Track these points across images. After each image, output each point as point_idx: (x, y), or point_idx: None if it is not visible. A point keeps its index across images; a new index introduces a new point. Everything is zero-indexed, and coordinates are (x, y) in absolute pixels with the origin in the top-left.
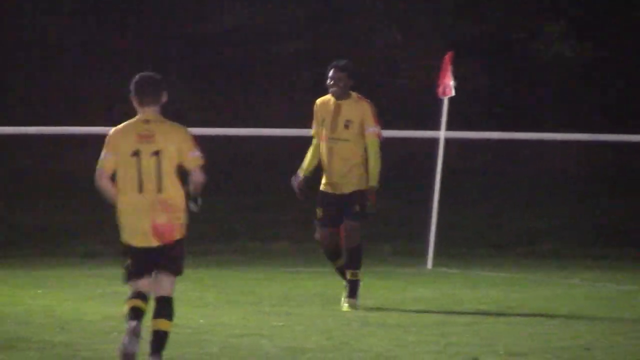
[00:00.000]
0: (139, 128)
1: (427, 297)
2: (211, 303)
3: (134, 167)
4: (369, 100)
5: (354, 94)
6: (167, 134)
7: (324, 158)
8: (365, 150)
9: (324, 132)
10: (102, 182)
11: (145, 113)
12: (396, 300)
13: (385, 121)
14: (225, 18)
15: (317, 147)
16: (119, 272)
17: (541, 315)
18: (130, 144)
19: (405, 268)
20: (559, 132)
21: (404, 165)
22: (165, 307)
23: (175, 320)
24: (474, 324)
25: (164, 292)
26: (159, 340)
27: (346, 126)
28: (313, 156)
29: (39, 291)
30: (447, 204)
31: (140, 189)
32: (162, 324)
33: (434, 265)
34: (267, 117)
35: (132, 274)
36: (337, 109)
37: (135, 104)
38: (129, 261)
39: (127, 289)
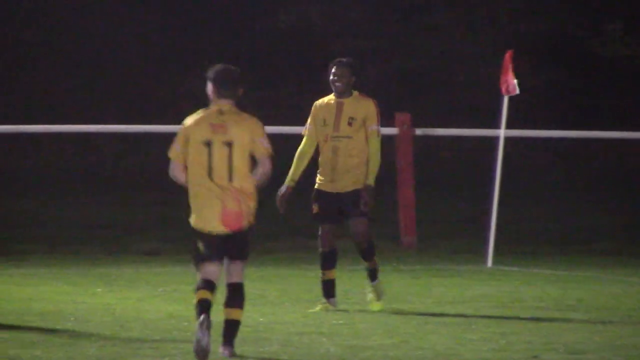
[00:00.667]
0: (213, 118)
1: (487, 295)
2: (271, 301)
3: (206, 155)
4: (372, 98)
5: (355, 92)
6: (240, 124)
7: (327, 158)
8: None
9: (325, 132)
10: (176, 172)
11: (221, 104)
12: (456, 298)
13: (445, 119)
14: (288, 15)
15: (306, 150)
16: (180, 270)
17: (601, 313)
18: (203, 133)
19: (465, 266)
20: (619, 130)
21: (464, 163)
22: (236, 295)
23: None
24: (534, 321)
25: (235, 279)
26: (231, 329)
27: (349, 124)
28: (300, 162)
29: (98, 289)
30: (507, 202)
31: (211, 177)
32: (234, 313)
33: (494, 263)
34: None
35: (202, 260)
36: (340, 107)
37: (211, 93)
38: (199, 246)
39: (195, 278)
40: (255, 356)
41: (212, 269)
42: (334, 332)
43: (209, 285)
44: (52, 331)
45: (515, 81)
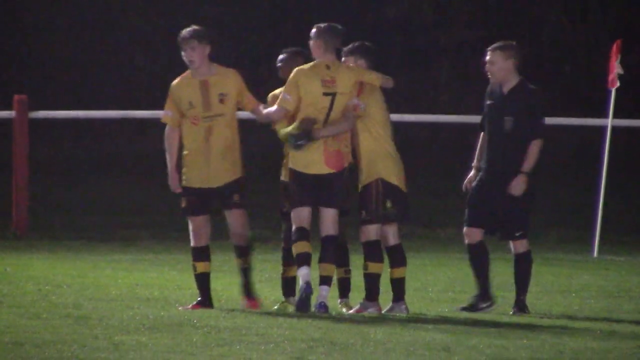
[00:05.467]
0: (322, 73)
1: (593, 285)
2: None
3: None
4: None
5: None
6: (346, 74)
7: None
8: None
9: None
10: (280, 118)
11: (327, 59)
12: (562, 287)
13: (554, 109)
14: (394, 6)
15: None
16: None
17: None
18: (316, 86)
19: (571, 255)
20: None
21: (572, 153)
22: (328, 250)
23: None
24: None
25: (326, 231)
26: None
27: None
28: None
29: None
30: (614, 191)
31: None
32: (328, 269)
33: (600, 252)
34: (436, 105)
35: (296, 203)
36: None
37: (317, 49)
38: (294, 188)
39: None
40: (362, 344)
41: (305, 214)
42: (438, 320)
43: (304, 234)
44: (158, 317)
45: (616, 72)
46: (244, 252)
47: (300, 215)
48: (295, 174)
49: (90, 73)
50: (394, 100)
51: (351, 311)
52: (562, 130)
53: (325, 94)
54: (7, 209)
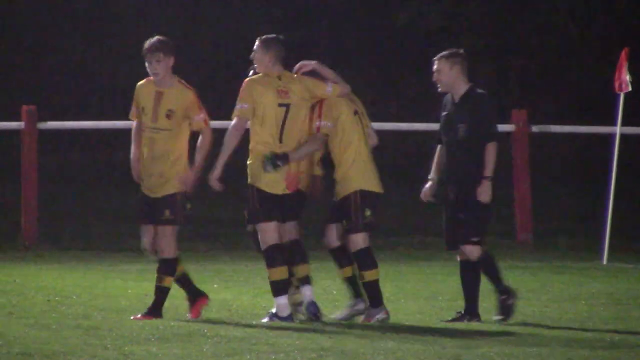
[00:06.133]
0: (276, 84)
1: (602, 292)
2: (386, 297)
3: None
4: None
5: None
6: (298, 86)
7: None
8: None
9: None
10: (242, 129)
11: (277, 70)
12: (571, 294)
13: (562, 116)
14: (403, 13)
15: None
16: None
17: None
18: (271, 97)
19: (580, 263)
20: None
21: (580, 161)
22: (300, 252)
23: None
24: None
25: (292, 236)
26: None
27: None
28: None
29: (215, 285)
30: (623, 199)
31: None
32: (305, 270)
33: (609, 260)
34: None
35: (261, 218)
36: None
37: (267, 62)
38: (257, 205)
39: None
40: (371, 352)
41: (273, 228)
42: (447, 328)
43: (284, 257)
44: (168, 327)
45: (629, 78)
46: (162, 269)
47: (269, 229)
48: (258, 192)
49: (98, 83)
50: (407, 108)
51: (360, 320)
52: (570, 137)
53: (280, 105)
54: (16, 219)
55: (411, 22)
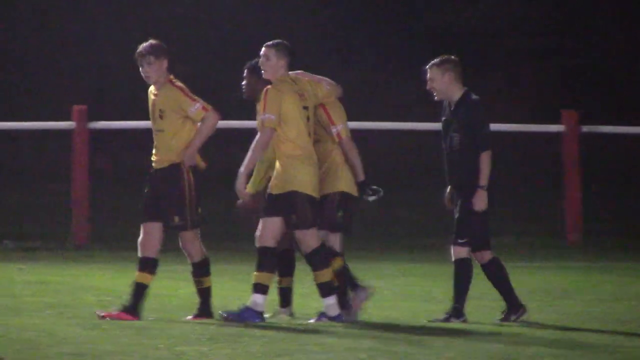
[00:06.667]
0: (294, 87)
1: None
2: (436, 297)
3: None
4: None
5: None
6: (308, 87)
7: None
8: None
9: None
10: (269, 140)
11: (287, 74)
12: (617, 295)
13: (610, 117)
14: (464, 12)
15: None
16: (355, 266)
17: None
18: (296, 100)
19: (629, 263)
20: None
21: (631, 161)
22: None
23: (399, 314)
24: None
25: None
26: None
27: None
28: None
29: None
30: None
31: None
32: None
33: None
34: (506, 113)
35: (310, 223)
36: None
37: (280, 67)
38: (307, 210)
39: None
40: (416, 352)
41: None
42: (495, 328)
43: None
44: (219, 327)
45: None
46: (196, 273)
47: (314, 233)
48: (306, 197)
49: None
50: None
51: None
52: (619, 138)
53: (304, 108)
54: (67, 220)
55: (450, 23)
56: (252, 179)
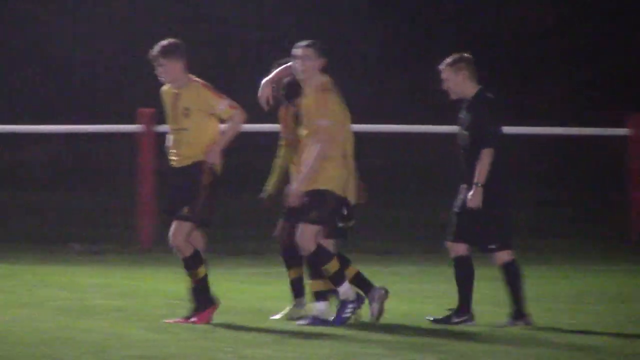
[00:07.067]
0: (335, 89)
1: None
2: (502, 301)
3: None
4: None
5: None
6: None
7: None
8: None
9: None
10: None
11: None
12: None
13: None
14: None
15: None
16: (415, 269)
17: None
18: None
19: None
20: None
21: None
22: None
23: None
24: None
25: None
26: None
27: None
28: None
29: None
30: None
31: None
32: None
33: None
34: (545, 114)
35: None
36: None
37: (318, 67)
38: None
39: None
40: (488, 351)
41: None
42: (564, 331)
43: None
44: (285, 330)
45: None
46: (186, 265)
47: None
48: (336, 198)
49: (217, 84)
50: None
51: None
52: None
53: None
54: (133, 223)
55: (515, 23)
56: (271, 182)
